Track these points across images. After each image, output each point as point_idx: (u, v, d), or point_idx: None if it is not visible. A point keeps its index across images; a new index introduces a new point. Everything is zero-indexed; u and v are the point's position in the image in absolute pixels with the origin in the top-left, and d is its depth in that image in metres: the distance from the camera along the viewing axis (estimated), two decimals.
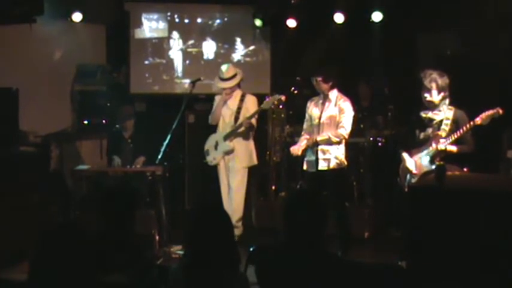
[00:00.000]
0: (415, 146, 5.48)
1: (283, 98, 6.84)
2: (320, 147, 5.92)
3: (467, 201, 4.18)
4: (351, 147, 6.14)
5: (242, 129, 6.69)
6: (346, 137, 5.98)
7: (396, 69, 7.80)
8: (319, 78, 5.94)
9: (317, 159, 5.94)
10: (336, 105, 5.98)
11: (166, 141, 6.41)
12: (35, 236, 2.71)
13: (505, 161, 6.45)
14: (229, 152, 6.78)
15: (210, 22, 8.65)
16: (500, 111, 5.01)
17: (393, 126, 7.51)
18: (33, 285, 2.58)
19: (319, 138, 5.90)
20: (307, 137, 6.08)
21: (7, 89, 6.59)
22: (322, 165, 5.93)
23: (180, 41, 8.62)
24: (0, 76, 6.83)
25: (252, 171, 6.96)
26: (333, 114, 5.96)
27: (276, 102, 6.90)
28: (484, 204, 4.12)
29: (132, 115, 7.41)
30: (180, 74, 8.63)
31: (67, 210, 6.70)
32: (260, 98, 6.80)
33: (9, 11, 6.22)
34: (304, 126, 6.24)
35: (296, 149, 6.07)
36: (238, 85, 6.85)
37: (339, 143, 5.95)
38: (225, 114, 6.85)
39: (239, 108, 6.77)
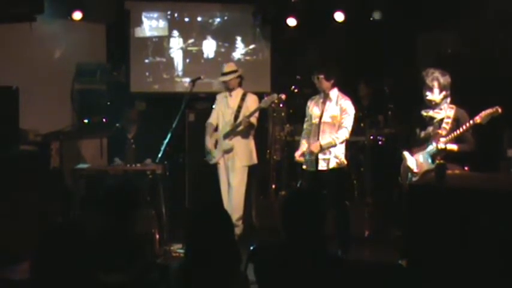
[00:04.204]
0: (416, 145, 5.48)
1: (283, 96, 6.85)
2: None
3: (468, 200, 4.18)
4: (351, 146, 6.14)
5: (241, 127, 6.71)
6: (349, 137, 5.98)
7: (396, 68, 7.79)
8: (321, 76, 5.92)
9: (317, 158, 5.94)
10: (337, 104, 5.97)
11: (167, 140, 6.41)
12: (35, 235, 2.70)
13: (506, 160, 6.45)
14: (228, 151, 6.79)
15: (210, 21, 8.65)
16: (500, 110, 5.00)
17: (393, 125, 7.51)
18: (34, 285, 2.58)
19: (323, 143, 5.87)
20: (306, 145, 6.05)
21: (7, 88, 6.58)
22: (322, 165, 5.92)
23: (180, 40, 8.62)
24: (1, 75, 6.82)
25: (252, 170, 6.96)
26: (335, 114, 5.94)
27: (276, 101, 6.91)
28: (484, 203, 4.12)
29: (137, 120, 7.42)
30: (180, 73, 8.63)
31: (67, 209, 6.69)
32: (260, 97, 6.82)
33: (9, 10, 6.21)
34: (305, 125, 6.23)
35: (300, 155, 6.09)
36: (240, 84, 6.87)
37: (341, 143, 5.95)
38: (226, 113, 6.87)
39: (239, 107, 6.79)
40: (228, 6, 8.63)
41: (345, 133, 5.91)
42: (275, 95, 6.68)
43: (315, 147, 5.88)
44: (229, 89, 6.85)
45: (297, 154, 6.13)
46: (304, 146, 6.08)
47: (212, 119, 6.98)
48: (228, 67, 6.86)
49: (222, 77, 6.85)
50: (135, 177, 6.60)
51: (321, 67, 6.02)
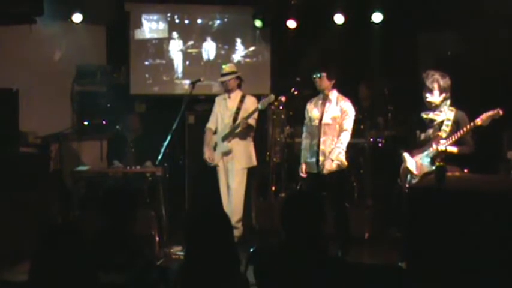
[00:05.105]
0: (416, 147, 5.48)
1: (283, 98, 6.84)
2: (321, 149, 5.93)
3: (467, 202, 4.18)
4: (351, 148, 6.15)
5: (240, 129, 6.70)
6: (349, 138, 6.00)
7: (396, 69, 7.79)
8: (324, 74, 5.92)
9: (317, 160, 5.95)
10: (337, 105, 5.97)
11: (167, 142, 6.40)
12: (35, 236, 2.70)
13: (505, 161, 6.45)
14: (227, 153, 6.78)
15: (210, 23, 8.65)
16: (501, 112, 5.00)
17: (393, 127, 7.51)
18: (33, 286, 2.58)
19: (333, 156, 5.86)
20: (304, 166, 6.08)
21: (7, 90, 6.59)
22: (326, 168, 5.92)
23: (180, 42, 8.62)
24: (0, 77, 6.83)
25: (251, 171, 6.96)
26: (335, 115, 5.94)
27: (276, 103, 6.92)
28: (484, 205, 4.11)
29: (139, 128, 7.42)
30: (180, 75, 8.63)
31: (67, 211, 6.69)
32: (260, 99, 6.81)
33: (9, 12, 6.21)
34: (304, 128, 6.23)
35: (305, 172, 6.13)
36: (239, 86, 6.87)
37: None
38: (224, 115, 6.86)
39: (238, 109, 6.79)
40: (227, 9, 8.63)
41: (347, 136, 5.93)
42: (272, 96, 6.67)
43: (330, 166, 5.88)
44: (228, 90, 6.85)
45: (303, 171, 6.14)
46: (303, 165, 6.11)
47: (211, 123, 6.98)
48: (227, 68, 6.87)
49: (221, 77, 6.86)
50: (135, 179, 6.60)
51: (323, 66, 6.02)
